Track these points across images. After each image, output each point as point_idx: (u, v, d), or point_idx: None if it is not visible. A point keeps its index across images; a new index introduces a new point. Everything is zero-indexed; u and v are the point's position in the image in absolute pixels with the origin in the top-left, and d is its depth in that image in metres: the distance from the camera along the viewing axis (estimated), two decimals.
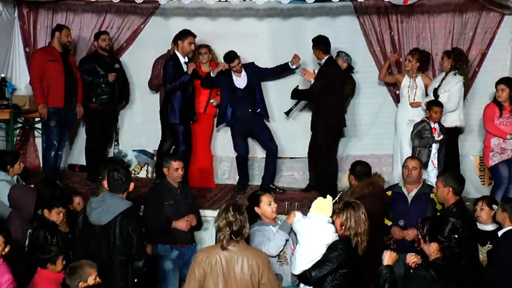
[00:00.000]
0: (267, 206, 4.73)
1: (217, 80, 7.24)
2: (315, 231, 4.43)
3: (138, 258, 4.40)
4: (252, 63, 7.33)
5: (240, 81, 7.22)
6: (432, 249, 3.86)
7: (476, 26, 7.24)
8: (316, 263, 4.29)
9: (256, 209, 4.75)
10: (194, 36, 6.93)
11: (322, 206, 4.52)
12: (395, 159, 7.11)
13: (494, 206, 5.14)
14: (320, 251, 4.34)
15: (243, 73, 7.22)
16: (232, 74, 7.21)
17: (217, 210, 6.20)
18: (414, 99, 6.96)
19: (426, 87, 7.00)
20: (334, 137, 7.19)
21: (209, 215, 6.17)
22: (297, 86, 7.26)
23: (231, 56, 7.09)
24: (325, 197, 4.59)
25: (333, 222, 4.45)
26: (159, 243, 5.47)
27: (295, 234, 4.58)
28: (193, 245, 5.80)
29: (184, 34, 6.90)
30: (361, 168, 5.51)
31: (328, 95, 6.87)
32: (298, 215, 4.58)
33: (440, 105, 6.52)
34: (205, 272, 3.97)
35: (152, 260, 4.97)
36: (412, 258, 4.09)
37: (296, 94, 7.24)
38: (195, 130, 7.33)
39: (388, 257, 4.07)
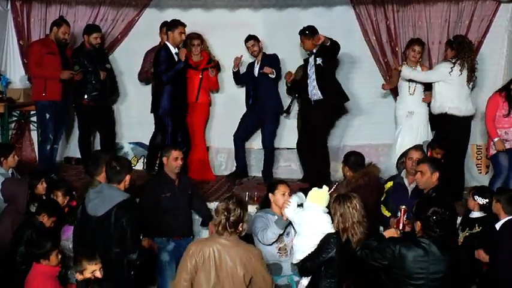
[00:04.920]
0: (280, 195, 4.77)
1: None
2: (311, 221, 4.43)
3: (132, 251, 4.35)
4: (275, 55, 7.36)
5: (256, 68, 7.32)
6: (417, 227, 4.05)
7: (473, 15, 7.21)
8: (310, 254, 4.30)
9: (270, 195, 4.82)
10: (184, 26, 6.82)
11: (318, 196, 4.53)
12: (393, 149, 6.94)
13: (477, 197, 5.07)
14: (316, 241, 4.33)
15: (259, 62, 7.30)
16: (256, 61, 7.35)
17: (215, 202, 6.34)
18: (414, 90, 6.77)
19: None
20: (326, 127, 7.13)
21: None
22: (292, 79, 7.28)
23: (247, 37, 7.24)
24: (321, 187, 4.59)
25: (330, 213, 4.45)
26: (156, 236, 5.44)
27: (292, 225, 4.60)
28: (190, 238, 5.80)
29: (175, 24, 6.79)
30: (355, 159, 5.48)
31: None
32: (293, 204, 4.58)
33: (443, 147, 6.16)
34: (197, 264, 3.90)
35: (148, 254, 4.89)
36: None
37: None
38: (188, 121, 7.32)
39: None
